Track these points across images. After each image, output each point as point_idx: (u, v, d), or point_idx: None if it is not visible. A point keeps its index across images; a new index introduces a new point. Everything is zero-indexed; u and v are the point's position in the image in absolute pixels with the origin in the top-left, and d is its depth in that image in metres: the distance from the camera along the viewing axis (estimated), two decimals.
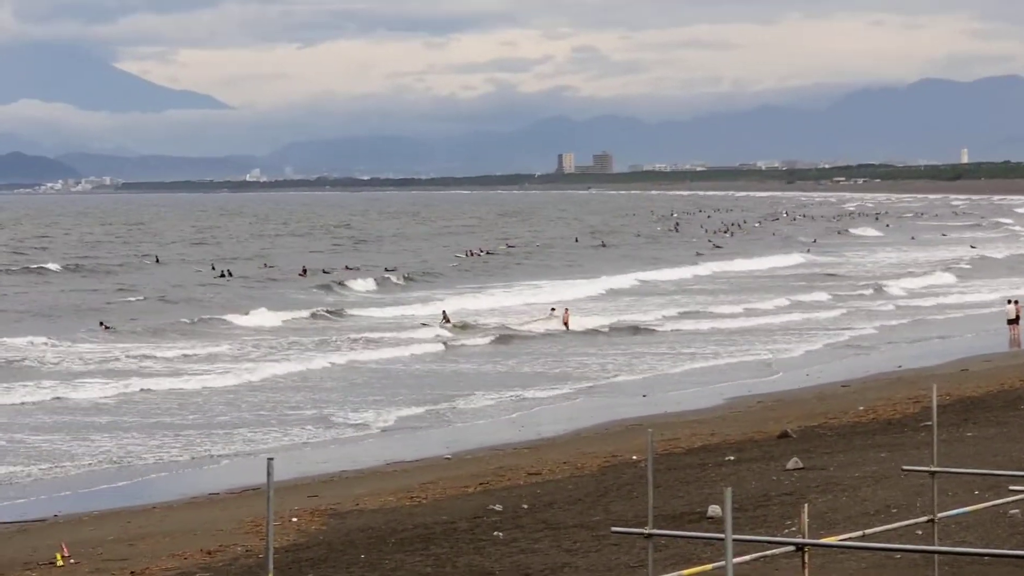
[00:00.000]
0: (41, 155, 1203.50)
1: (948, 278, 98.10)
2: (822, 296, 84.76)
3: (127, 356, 59.18)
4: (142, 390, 49.70)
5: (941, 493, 19.27)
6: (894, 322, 70.87)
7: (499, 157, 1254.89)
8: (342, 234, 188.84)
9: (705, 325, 70.47)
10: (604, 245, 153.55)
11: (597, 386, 51.14)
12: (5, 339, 64.07)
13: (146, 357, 58.93)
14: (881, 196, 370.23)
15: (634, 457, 33.98)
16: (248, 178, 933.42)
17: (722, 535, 13.30)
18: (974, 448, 31.31)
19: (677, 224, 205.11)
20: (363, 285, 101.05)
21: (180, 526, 29.38)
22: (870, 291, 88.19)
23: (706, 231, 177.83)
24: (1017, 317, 62.34)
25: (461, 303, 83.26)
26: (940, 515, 17.72)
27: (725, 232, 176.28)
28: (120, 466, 37.55)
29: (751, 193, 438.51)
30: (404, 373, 55.04)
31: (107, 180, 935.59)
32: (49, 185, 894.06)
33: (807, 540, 15.50)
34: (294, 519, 28.82)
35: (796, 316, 74.07)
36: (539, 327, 69.69)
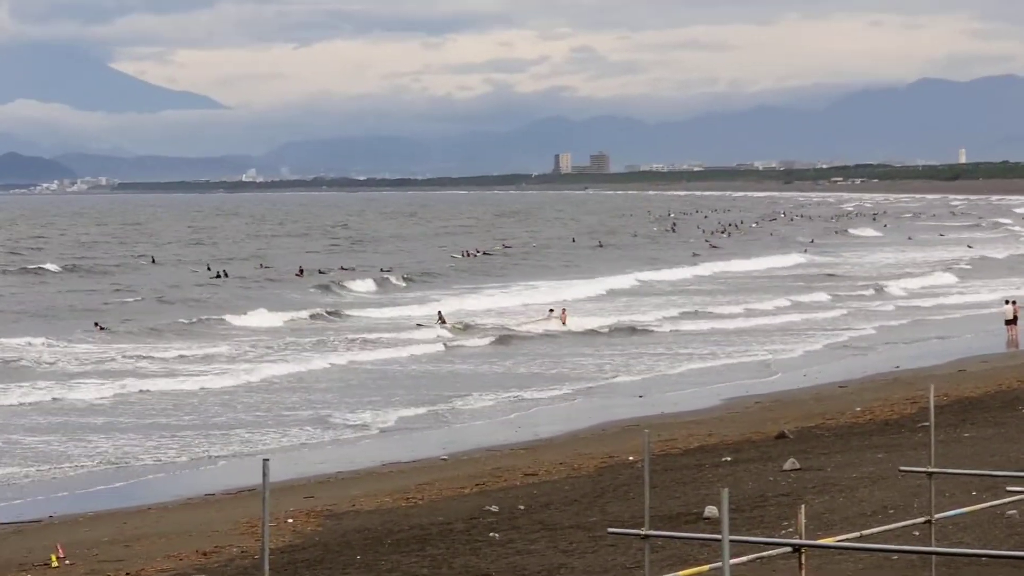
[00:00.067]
0: (37, 155, 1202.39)
1: (948, 278, 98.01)
2: (822, 296, 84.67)
3: (124, 357, 59.08)
4: (140, 391, 49.61)
5: (938, 494, 19.24)
6: (894, 323, 70.81)
7: (496, 157, 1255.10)
8: (339, 234, 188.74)
9: (704, 325, 70.39)
10: (601, 245, 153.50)
11: (594, 387, 51.05)
12: (2, 340, 63.95)
13: (143, 358, 58.84)
14: (879, 196, 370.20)
15: (631, 458, 33.92)
16: (244, 178, 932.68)
17: (719, 536, 13.26)
18: (971, 449, 31.27)
19: (674, 224, 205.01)
20: (362, 286, 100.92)
21: (176, 527, 29.32)
22: (870, 291, 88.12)
23: (703, 231, 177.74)
24: (1015, 317, 62.26)
25: (459, 304, 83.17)
26: (937, 516, 17.71)
27: (722, 232, 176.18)
28: (116, 467, 37.47)
29: (748, 193, 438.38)
30: (403, 374, 54.94)
31: (103, 180, 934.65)
32: (45, 185, 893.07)
33: (804, 541, 15.49)
34: (290, 520, 28.75)
35: (795, 316, 73.98)
36: (538, 328, 69.69)
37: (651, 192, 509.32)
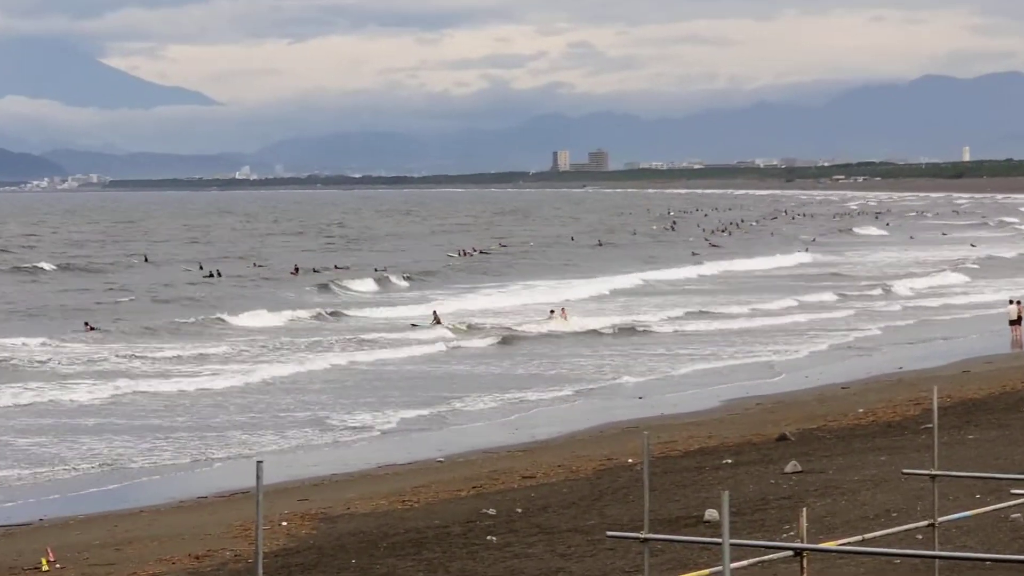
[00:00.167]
0: (27, 152, 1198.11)
1: (955, 278, 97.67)
2: (827, 296, 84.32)
3: (117, 357, 58.80)
4: (133, 392, 49.28)
5: (942, 497, 19.10)
6: (900, 323, 70.55)
7: (493, 154, 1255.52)
8: (334, 232, 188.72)
9: (707, 326, 70.08)
10: (601, 244, 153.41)
11: (595, 388, 50.76)
12: None
13: (136, 357, 58.55)
14: (883, 194, 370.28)
15: (630, 460, 33.66)
16: (238, 176, 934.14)
17: (719, 540, 13.03)
18: (975, 451, 31.04)
19: (674, 223, 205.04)
20: (361, 285, 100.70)
21: (168, 530, 29.06)
22: (876, 291, 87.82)
23: (703, 230, 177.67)
24: (1019, 318, 61.89)
25: (459, 304, 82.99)
26: (941, 519, 17.57)
27: (723, 231, 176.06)
28: (109, 469, 37.15)
29: (750, 191, 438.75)
30: (402, 375, 54.65)
31: (94, 178, 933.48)
32: (35, 183, 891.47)
33: (806, 545, 15.43)
34: (284, 523, 28.51)
35: (801, 317, 73.57)
36: (539, 328, 69.48)
37: (651, 190, 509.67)
